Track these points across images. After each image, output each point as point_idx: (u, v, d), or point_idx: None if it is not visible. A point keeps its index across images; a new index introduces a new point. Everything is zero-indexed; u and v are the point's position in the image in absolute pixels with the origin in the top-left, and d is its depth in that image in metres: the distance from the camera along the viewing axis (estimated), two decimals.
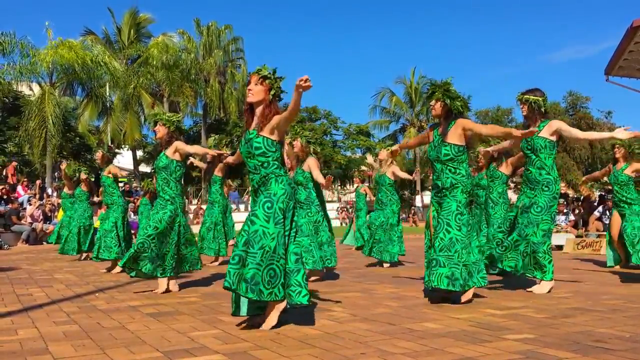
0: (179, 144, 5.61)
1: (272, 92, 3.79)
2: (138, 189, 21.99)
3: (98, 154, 8.25)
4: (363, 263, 8.74)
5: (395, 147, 6.23)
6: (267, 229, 3.58)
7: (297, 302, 3.64)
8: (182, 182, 5.66)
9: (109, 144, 26.79)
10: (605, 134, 5.29)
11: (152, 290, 5.67)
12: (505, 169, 7.11)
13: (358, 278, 6.80)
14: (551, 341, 3.21)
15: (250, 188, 4.00)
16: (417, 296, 5.13)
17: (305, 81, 3.45)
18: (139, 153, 35.34)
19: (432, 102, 4.85)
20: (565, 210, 14.50)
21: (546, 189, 5.11)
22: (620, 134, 4.98)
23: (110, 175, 7.96)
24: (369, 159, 9.09)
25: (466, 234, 4.59)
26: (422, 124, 40.23)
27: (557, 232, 13.34)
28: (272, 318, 3.73)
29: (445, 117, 4.80)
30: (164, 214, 5.47)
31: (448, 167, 4.72)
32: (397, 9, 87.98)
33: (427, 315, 4.16)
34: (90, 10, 73.77)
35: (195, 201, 32.11)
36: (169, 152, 5.62)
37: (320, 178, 6.06)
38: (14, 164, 21.97)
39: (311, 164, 6.30)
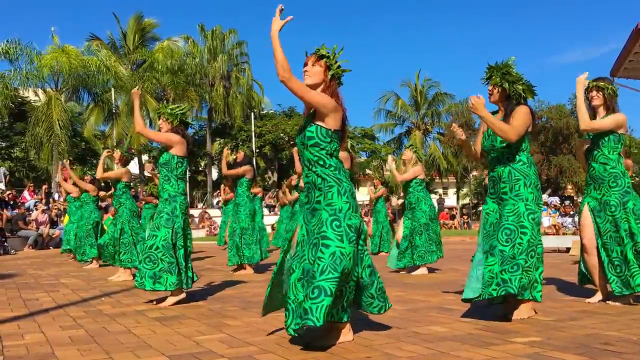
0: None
1: (331, 72, 3.42)
2: (145, 192, 22.02)
3: (116, 154, 8.09)
4: None
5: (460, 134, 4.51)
6: (343, 249, 3.18)
7: (367, 310, 3.50)
8: (185, 179, 5.34)
9: (129, 146, 26.43)
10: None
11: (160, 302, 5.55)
12: None
13: None
14: (558, 344, 3.19)
15: (302, 187, 3.49)
16: (423, 300, 5.11)
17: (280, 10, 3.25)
18: (144, 157, 35.46)
19: (490, 88, 4.24)
20: (571, 212, 14.45)
21: (614, 184, 4.61)
22: None
23: (124, 179, 7.87)
24: (390, 162, 8.21)
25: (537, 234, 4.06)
26: (427, 127, 40.24)
27: (564, 234, 13.31)
28: (332, 336, 3.37)
29: (505, 103, 4.18)
30: (160, 219, 5.09)
31: (506, 156, 4.13)
32: (403, 12, 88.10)
33: (433, 318, 4.15)
34: (96, 16, 74.24)
35: (200, 205, 32.16)
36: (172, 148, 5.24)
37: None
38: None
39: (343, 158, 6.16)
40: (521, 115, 4.07)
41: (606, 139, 4.64)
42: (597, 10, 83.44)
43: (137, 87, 5.66)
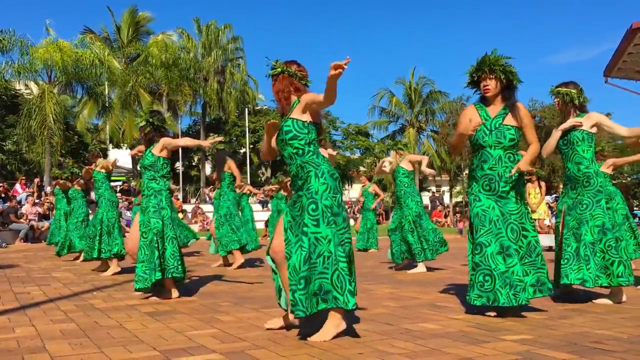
0: (166, 141, 5.36)
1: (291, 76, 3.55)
2: (136, 187, 21.95)
3: (90, 154, 8.18)
4: (362, 264, 8.73)
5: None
6: (319, 233, 3.27)
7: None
8: (169, 177, 5.40)
9: (107, 141, 26.46)
10: None
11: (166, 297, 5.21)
12: None
13: (357, 278, 6.78)
14: (549, 342, 3.21)
15: (289, 183, 3.74)
16: (415, 297, 5.12)
17: (336, 67, 3.07)
18: None
19: (486, 82, 4.16)
20: None
21: (587, 184, 4.61)
22: None
23: (102, 170, 7.84)
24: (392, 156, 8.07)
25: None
26: (421, 124, 40.28)
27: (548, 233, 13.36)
28: (327, 330, 3.32)
29: (506, 94, 4.18)
30: (148, 213, 5.19)
31: (508, 154, 4.11)
32: (397, 9, 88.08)
33: (425, 315, 4.16)
34: (90, 9, 73.68)
35: (194, 200, 32.08)
36: (155, 149, 5.34)
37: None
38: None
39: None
40: (529, 114, 4.19)
41: (581, 137, 4.66)
42: (592, 11, 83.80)
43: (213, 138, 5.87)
